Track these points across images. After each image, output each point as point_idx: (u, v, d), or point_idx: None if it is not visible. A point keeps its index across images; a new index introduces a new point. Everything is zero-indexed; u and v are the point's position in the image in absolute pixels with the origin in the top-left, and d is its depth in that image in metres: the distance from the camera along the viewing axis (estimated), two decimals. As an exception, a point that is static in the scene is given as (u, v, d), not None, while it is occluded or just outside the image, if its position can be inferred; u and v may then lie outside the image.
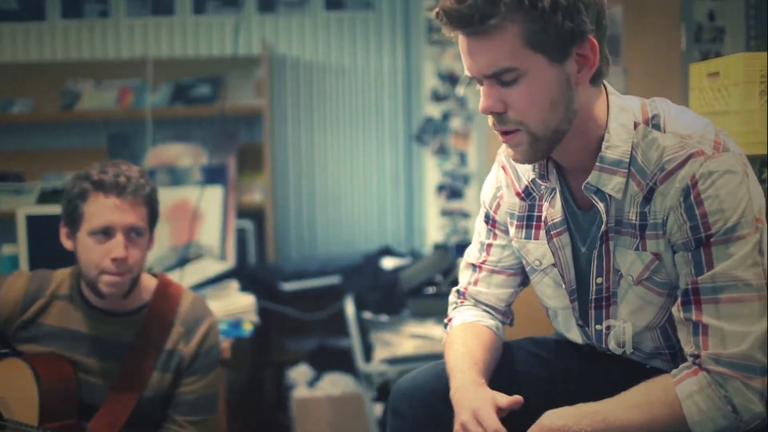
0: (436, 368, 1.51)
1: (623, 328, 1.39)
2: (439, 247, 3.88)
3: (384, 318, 3.17)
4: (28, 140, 4.09)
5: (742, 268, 1.22)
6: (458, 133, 4.07)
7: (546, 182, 1.43)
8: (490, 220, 1.58)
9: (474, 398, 1.34)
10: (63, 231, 1.93)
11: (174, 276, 2.77)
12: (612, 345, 1.42)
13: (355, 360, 3.21)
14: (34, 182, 3.78)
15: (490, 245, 1.58)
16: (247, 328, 2.66)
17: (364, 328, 3.28)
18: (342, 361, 3.53)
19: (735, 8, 4.15)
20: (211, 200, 3.48)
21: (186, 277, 2.83)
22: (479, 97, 1.30)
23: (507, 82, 1.25)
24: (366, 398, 3.13)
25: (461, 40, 1.27)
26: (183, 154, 3.75)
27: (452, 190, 4.09)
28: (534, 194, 1.48)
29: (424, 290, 3.26)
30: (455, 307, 1.63)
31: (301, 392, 3.42)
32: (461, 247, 4.01)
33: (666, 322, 1.38)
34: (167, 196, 3.48)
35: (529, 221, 1.50)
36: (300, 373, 3.55)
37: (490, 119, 1.31)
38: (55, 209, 2.24)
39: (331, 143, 4.21)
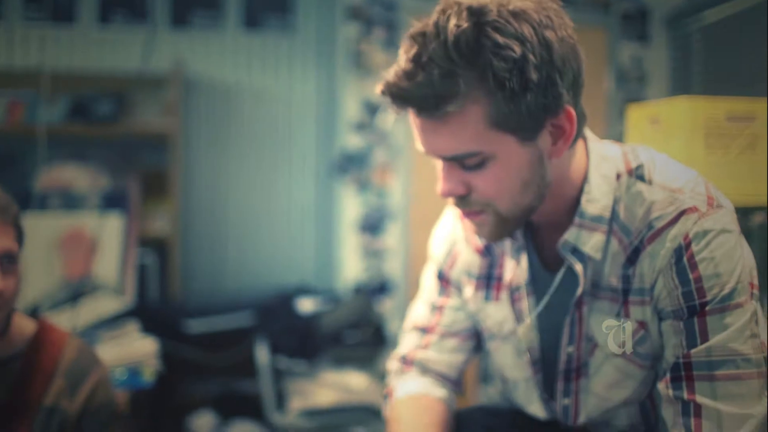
0: None
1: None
2: (360, 290, 3.69)
3: (300, 365, 2.96)
4: None
5: (740, 341, 1.09)
6: (381, 167, 3.87)
7: (514, 240, 1.26)
8: (442, 278, 1.41)
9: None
10: None
11: (65, 315, 2.49)
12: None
13: (266, 409, 3.00)
14: None
15: (441, 307, 1.41)
16: (149, 377, 2.39)
17: (277, 374, 3.09)
18: (250, 408, 3.31)
19: (658, 54, 4.20)
20: (109, 229, 3.25)
21: (78, 316, 2.52)
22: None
23: (471, 166, 1.08)
24: (277, 452, 2.96)
25: (412, 116, 1.08)
26: (80, 177, 3.51)
27: (373, 227, 3.88)
28: (495, 251, 1.32)
29: (345, 336, 3.07)
30: (397, 376, 1.43)
31: (204, 444, 3.19)
32: (381, 288, 3.84)
33: (646, 398, 1.23)
34: (60, 223, 3.21)
35: (489, 281, 1.33)
36: (203, 422, 3.31)
37: (451, 199, 1.14)
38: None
39: (245, 171, 3.96)
